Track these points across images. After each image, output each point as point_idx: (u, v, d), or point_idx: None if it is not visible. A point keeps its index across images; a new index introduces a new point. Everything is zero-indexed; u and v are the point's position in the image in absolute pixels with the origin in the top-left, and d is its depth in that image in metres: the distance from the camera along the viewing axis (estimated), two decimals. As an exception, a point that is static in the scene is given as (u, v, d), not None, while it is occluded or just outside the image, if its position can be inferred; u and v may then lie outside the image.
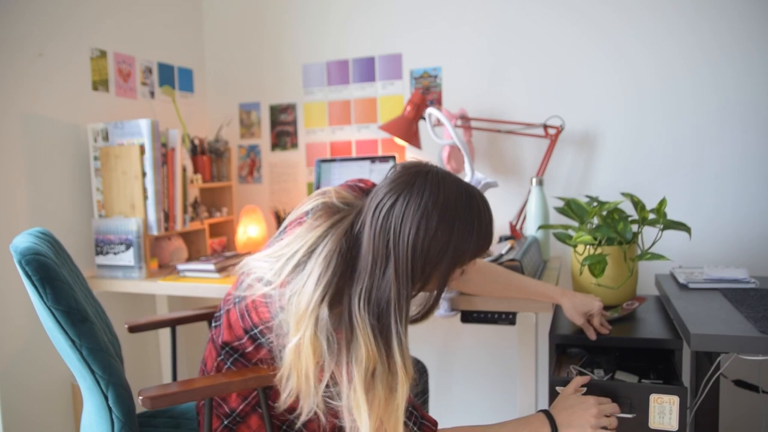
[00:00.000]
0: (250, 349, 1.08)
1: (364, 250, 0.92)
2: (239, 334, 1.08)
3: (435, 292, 1.03)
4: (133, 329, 1.45)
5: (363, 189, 1.12)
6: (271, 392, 1.09)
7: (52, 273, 1.00)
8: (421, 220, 0.90)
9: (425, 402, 1.45)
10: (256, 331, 1.05)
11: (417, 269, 0.92)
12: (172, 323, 1.50)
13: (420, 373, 1.47)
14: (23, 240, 1.06)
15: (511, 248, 1.55)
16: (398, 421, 0.92)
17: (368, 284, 0.91)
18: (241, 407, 1.10)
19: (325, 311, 0.90)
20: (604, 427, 1.07)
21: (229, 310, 1.11)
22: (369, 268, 0.91)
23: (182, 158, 1.91)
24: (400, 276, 0.90)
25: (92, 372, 1.02)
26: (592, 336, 1.28)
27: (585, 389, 1.16)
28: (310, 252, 0.94)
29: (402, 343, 0.91)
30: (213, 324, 1.17)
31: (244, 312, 1.06)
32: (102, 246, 1.82)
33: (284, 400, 0.95)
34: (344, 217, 0.98)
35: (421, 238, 0.90)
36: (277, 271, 0.96)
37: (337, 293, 0.91)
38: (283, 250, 0.97)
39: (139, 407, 1.07)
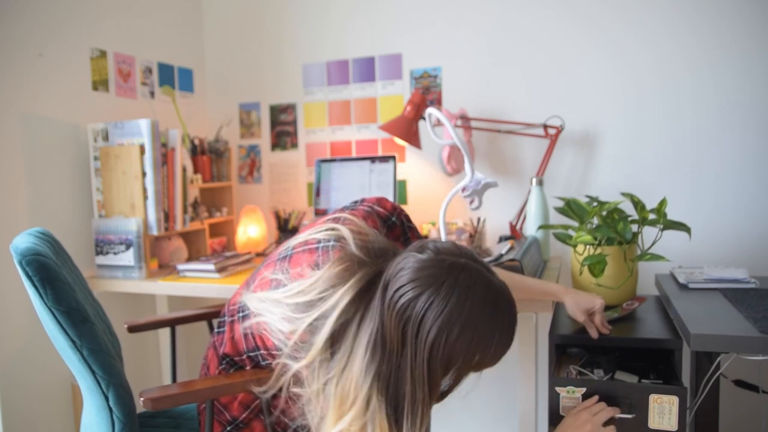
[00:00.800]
0: (248, 367, 1.08)
1: (384, 330, 0.87)
2: (240, 350, 1.08)
3: (448, 387, 0.99)
4: (133, 329, 1.45)
5: (382, 216, 1.07)
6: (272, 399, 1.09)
7: (52, 273, 1.00)
8: (443, 327, 0.85)
9: None
10: (257, 353, 1.05)
11: (434, 373, 0.87)
12: (172, 323, 1.50)
13: None
14: (23, 240, 1.06)
15: (511, 248, 1.55)
16: None
17: (387, 371, 0.87)
18: (244, 415, 1.10)
19: (374, 400, 0.86)
20: None
21: (233, 323, 1.10)
22: (388, 352, 0.87)
23: (182, 158, 1.91)
24: (416, 378, 0.86)
25: (93, 372, 1.02)
26: (594, 334, 1.28)
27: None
28: (344, 326, 0.89)
29: None
30: (216, 329, 1.16)
31: (248, 333, 1.05)
32: (102, 246, 1.82)
33: None
34: (369, 280, 0.91)
35: (440, 345, 0.85)
36: (302, 340, 0.90)
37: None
38: (298, 298, 0.91)
39: (140, 407, 1.07)
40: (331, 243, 0.96)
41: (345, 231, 0.97)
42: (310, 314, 0.90)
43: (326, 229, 0.99)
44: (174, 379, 1.53)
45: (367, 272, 0.92)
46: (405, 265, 0.89)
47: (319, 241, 0.98)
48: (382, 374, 0.86)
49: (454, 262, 0.88)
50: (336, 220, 1.01)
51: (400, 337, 0.86)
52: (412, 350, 0.86)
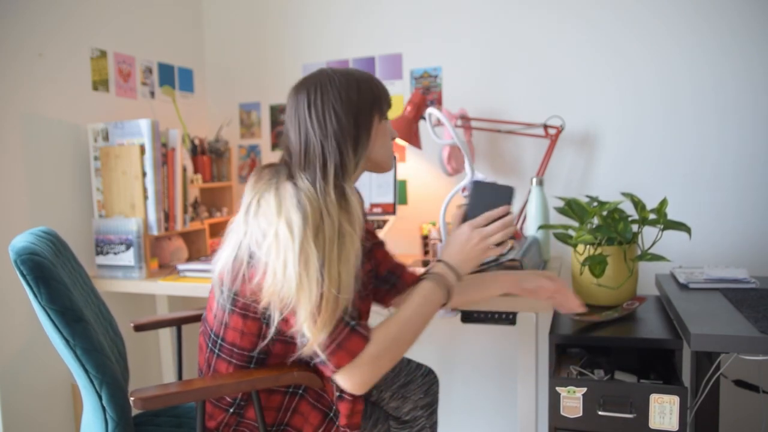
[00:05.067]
0: (266, 341, 1.08)
1: (293, 139, 1.10)
2: (254, 332, 1.08)
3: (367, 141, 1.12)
4: (139, 328, 1.46)
5: None
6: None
7: (46, 273, 1.00)
8: (329, 85, 1.09)
9: (432, 412, 1.45)
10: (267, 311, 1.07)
11: (349, 124, 1.08)
12: (177, 322, 1.49)
13: (430, 384, 1.46)
14: (21, 240, 1.06)
15: (512, 248, 1.55)
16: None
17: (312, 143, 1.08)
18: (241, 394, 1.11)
19: (286, 184, 1.04)
20: (499, 244, 1.13)
21: (227, 319, 1.12)
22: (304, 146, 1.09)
23: (182, 158, 1.91)
24: (339, 136, 1.07)
25: (86, 371, 1.02)
26: (579, 307, 1.26)
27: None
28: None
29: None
30: (211, 344, 1.17)
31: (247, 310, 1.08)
32: (102, 246, 1.82)
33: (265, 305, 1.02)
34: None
35: (331, 101, 1.08)
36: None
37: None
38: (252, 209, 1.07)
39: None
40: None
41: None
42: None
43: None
44: (179, 377, 1.54)
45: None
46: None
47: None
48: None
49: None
50: None
51: (305, 122, 1.09)
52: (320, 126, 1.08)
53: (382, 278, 1.30)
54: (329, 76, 1.11)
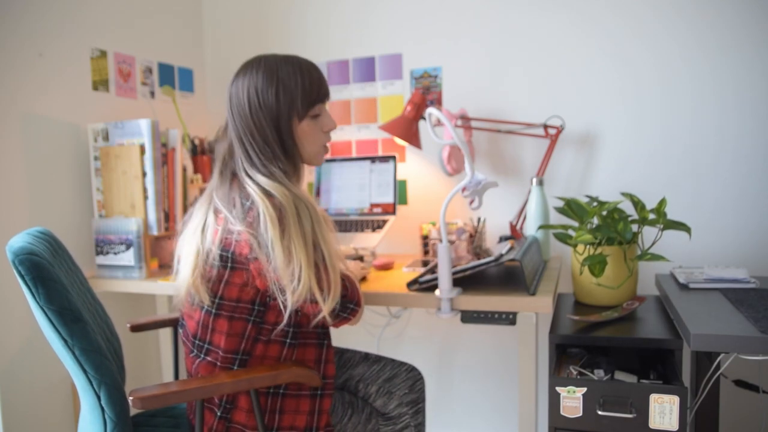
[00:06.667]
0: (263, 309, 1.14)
1: (231, 129, 1.24)
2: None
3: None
4: (136, 328, 1.46)
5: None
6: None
7: (44, 273, 1.00)
8: (252, 80, 1.26)
9: (418, 411, 1.46)
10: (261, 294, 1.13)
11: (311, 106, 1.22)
12: (175, 323, 1.50)
13: (414, 380, 1.47)
14: (18, 240, 1.06)
15: (512, 248, 1.55)
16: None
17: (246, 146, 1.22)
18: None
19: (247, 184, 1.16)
20: None
21: (220, 316, 1.18)
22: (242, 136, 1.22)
23: (182, 158, 1.91)
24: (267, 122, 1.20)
25: (85, 372, 1.02)
26: None
27: None
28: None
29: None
30: (199, 352, 1.20)
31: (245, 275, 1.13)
32: (102, 246, 1.82)
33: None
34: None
35: (261, 90, 1.24)
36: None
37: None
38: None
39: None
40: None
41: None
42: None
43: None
44: (176, 378, 1.54)
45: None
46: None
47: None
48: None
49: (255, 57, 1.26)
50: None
51: (241, 115, 1.23)
52: (249, 117, 1.22)
53: None
54: (290, 60, 1.25)
